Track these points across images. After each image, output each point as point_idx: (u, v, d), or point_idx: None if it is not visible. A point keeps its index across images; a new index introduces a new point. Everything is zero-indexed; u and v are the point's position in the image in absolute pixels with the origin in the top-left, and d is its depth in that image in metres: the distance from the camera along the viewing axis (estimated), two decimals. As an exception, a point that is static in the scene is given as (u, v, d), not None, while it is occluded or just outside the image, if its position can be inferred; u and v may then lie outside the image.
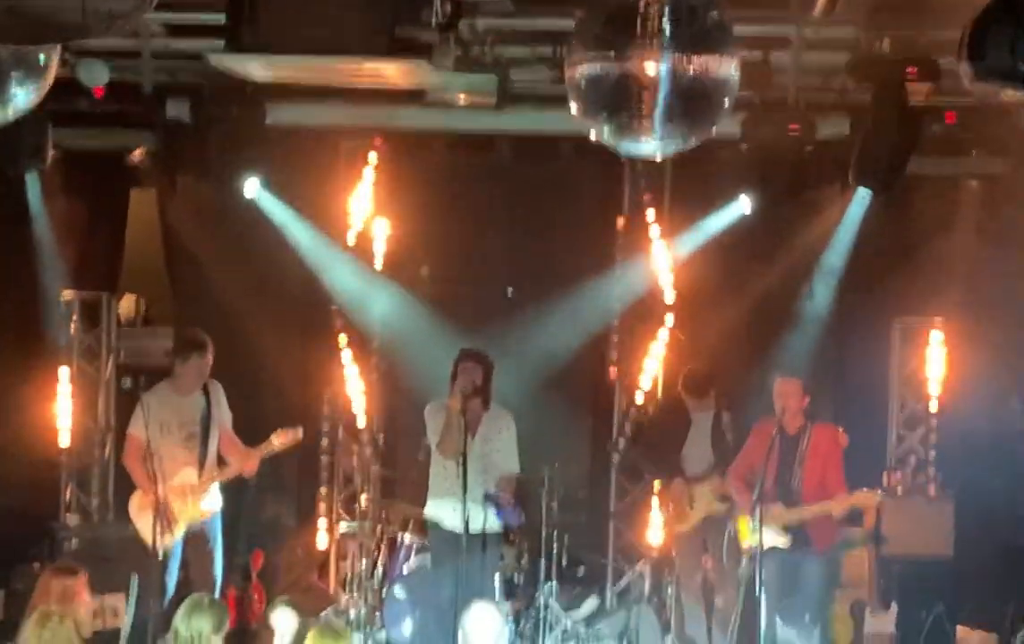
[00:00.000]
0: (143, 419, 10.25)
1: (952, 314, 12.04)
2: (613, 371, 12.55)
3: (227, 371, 11.12)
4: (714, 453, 11.32)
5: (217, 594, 10.56)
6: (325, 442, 12.54)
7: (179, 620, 7.41)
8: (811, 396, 10.25)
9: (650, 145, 6.63)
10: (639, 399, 12.42)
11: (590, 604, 11.96)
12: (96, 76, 10.12)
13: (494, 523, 10.45)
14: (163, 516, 10.19)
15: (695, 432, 11.53)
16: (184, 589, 10.40)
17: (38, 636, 7.37)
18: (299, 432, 10.84)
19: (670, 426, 11.82)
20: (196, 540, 10.65)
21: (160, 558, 10.09)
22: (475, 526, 10.15)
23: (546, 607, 11.13)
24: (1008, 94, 6.72)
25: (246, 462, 10.64)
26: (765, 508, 9.93)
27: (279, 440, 10.70)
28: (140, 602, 9.93)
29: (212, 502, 10.70)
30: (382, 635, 11.32)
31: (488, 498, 10.28)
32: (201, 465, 10.62)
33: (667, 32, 6.29)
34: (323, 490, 12.65)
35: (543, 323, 12.14)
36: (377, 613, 11.46)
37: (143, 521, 10.30)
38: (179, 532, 10.50)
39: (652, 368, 12.39)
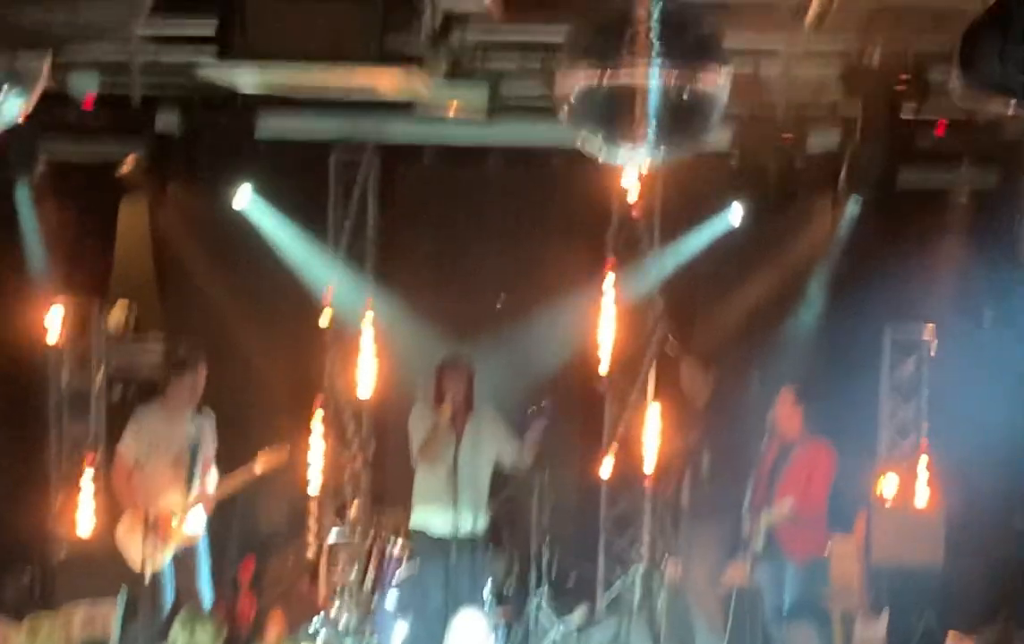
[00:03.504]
0: (132, 438, 10.24)
1: (943, 323, 12.06)
2: (604, 380, 12.55)
3: (217, 380, 11.12)
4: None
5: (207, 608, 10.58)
6: (315, 450, 12.50)
7: (176, 632, 7.41)
8: (804, 407, 10.34)
9: (640, 157, 6.62)
10: (629, 405, 12.44)
11: (581, 613, 11.98)
12: (86, 87, 10.12)
13: (482, 528, 10.42)
14: (151, 535, 10.16)
15: None
16: (174, 607, 10.40)
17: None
18: (285, 452, 10.83)
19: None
20: (183, 557, 10.61)
21: (150, 578, 10.06)
22: (464, 532, 10.16)
23: (537, 615, 11.15)
24: (998, 104, 6.75)
25: (205, 500, 10.66)
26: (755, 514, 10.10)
27: (263, 462, 10.72)
28: (127, 617, 9.92)
29: (197, 525, 10.67)
30: (373, 641, 11.33)
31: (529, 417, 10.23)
32: (188, 488, 10.57)
33: (657, 44, 6.29)
34: (313, 498, 12.64)
35: (534, 332, 12.15)
36: (367, 621, 11.47)
37: (131, 542, 10.24)
38: (168, 553, 10.45)
39: (642, 377, 12.40)
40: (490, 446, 10.37)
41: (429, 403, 10.46)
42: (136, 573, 10.02)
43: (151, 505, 10.22)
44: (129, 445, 10.26)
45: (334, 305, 12.30)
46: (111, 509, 12.06)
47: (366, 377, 12.51)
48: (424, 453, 10.29)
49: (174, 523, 10.45)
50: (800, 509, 10.26)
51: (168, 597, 10.42)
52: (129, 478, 10.15)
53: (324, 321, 12.30)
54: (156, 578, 10.23)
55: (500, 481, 10.83)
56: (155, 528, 10.20)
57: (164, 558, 10.41)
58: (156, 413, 10.57)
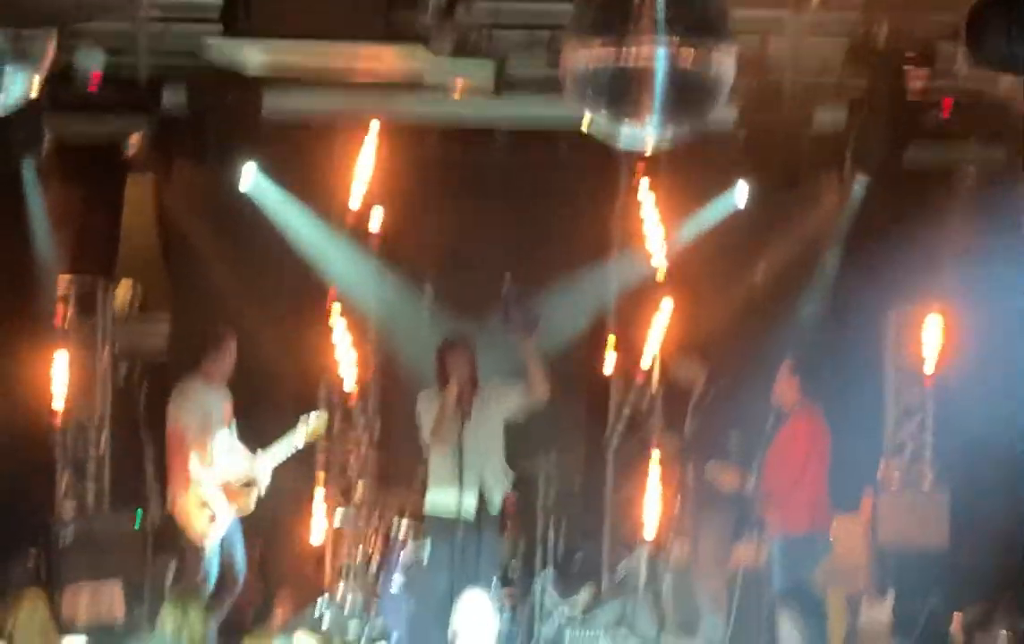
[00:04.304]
0: (185, 412, 10.31)
1: (948, 303, 12.04)
2: (609, 360, 12.54)
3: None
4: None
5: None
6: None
7: (167, 614, 7.41)
8: (800, 379, 10.33)
9: (647, 134, 6.61)
10: (634, 388, 12.45)
11: (586, 594, 11.98)
12: (92, 64, 10.12)
13: (496, 503, 10.40)
14: (214, 506, 10.40)
15: None
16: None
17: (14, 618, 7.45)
18: (324, 419, 11.19)
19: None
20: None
21: (205, 550, 10.37)
22: (473, 514, 10.15)
23: (542, 596, 11.15)
24: (1005, 80, 6.75)
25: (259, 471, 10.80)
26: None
27: (305, 430, 10.96)
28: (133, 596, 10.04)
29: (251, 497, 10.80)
30: (379, 623, 11.32)
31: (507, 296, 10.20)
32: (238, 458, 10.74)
33: (663, 20, 6.27)
34: (319, 479, 12.64)
35: (540, 311, 12.12)
36: (373, 602, 11.47)
37: (194, 515, 10.39)
38: (227, 522, 10.56)
39: (648, 357, 12.40)
40: (496, 419, 10.34)
41: (435, 386, 10.44)
42: (139, 549, 10.08)
43: (211, 476, 10.41)
44: (184, 420, 10.34)
45: (340, 283, 12.35)
46: (115, 489, 12.14)
47: (372, 356, 12.54)
48: (434, 437, 10.30)
49: (236, 489, 10.60)
50: (773, 482, 10.23)
51: (215, 569, 10.55)
52: (188, 452, 10.24)
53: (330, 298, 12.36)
54: (212, 553, 10.46)
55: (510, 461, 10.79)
56: (219, 499, 10.44)
57: (223, 529, 10.53)
58: (200, 387, 10.63)
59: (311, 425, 11.04)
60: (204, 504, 10.38)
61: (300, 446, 11.03)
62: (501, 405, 10.31)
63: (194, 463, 10.35)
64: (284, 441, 10.89)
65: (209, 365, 10.69)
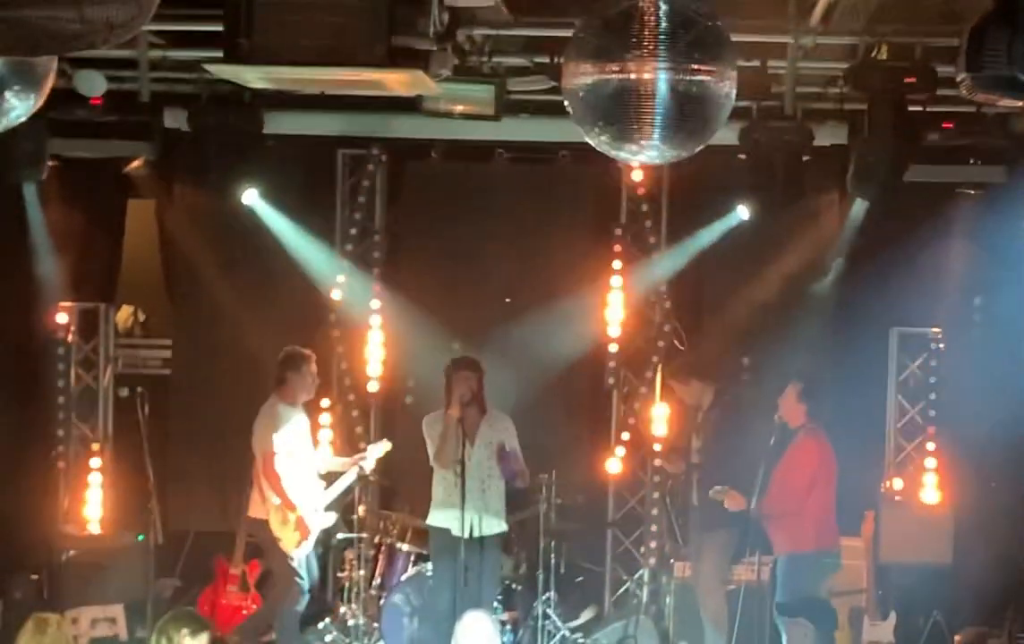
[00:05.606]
0: (279, 434, 10.36)
1: (950, 322, 12.04)
2: (611, 379, 12.54)
3: (225, 380, 11.14)
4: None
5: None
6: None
7: (155, 633, 7.39)
8: (807, 404, 10.32)
9: (648, 154, 6.59)
10: (637, 407, 12.45)
11: (588, 613, 11.97)
12: (94, 86, 10.13)
13: (495, 529, 10.42)
14: (303, 526, 10.58)
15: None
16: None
17: (38, 642, 7.41)
18: (387, 443, 11.32)
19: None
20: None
21: (299, 568, 10.65)
22: (476, 534, 10.16)
23: (544, 616, 11.13)
24: (1006, 101, 6.74)
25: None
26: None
27: (372, 455, 11.17)
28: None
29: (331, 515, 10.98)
30: (380, 644, 11.33)
31: (501, 455, 10.26)
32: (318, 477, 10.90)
33: (664, 41, 6.26)
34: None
35: (541, 331, 12.13)
36: (375, 623, 11.45)
37: (289, 533, 10.51)
38: (312, 541, 10.74)
39: (649, 376, 12.39)
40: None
41: (441, 408, 10.47)
42: (141, 569, 10.11)
43: (300, 497, 10.57)
44: (275, 442, 10.41)
45: (341, 304, 12.36)
46: (117, 508, 12.13)
47: (374, 375, 12.55)
48: (439, 460, 10.32)
49: (318, 509, 10.79)
50: (779, 504, 10.23)
51: (307, 581, 10.79)
52: (279, 473, 10.43)
53: (331, 320, 12.36)
54: (302, 566, 10.70)
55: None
56: (313, 517, 10.64)
57: (311, 545, 10.73)
58: (284, 408, 10.71)
59: (379, 452, 11.22)
60: (298, 523, 10.50)
61: (368, 470, 11.21)
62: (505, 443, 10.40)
63: (288, 483, 10.46)
64: (352, 471, 11.08)
65: (289, 388, 10.72)
